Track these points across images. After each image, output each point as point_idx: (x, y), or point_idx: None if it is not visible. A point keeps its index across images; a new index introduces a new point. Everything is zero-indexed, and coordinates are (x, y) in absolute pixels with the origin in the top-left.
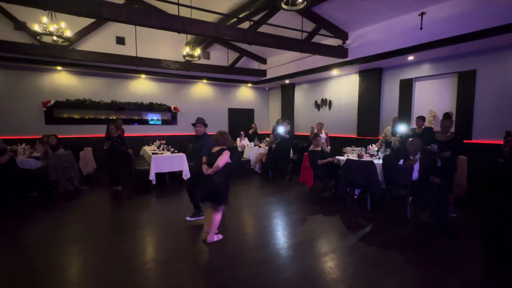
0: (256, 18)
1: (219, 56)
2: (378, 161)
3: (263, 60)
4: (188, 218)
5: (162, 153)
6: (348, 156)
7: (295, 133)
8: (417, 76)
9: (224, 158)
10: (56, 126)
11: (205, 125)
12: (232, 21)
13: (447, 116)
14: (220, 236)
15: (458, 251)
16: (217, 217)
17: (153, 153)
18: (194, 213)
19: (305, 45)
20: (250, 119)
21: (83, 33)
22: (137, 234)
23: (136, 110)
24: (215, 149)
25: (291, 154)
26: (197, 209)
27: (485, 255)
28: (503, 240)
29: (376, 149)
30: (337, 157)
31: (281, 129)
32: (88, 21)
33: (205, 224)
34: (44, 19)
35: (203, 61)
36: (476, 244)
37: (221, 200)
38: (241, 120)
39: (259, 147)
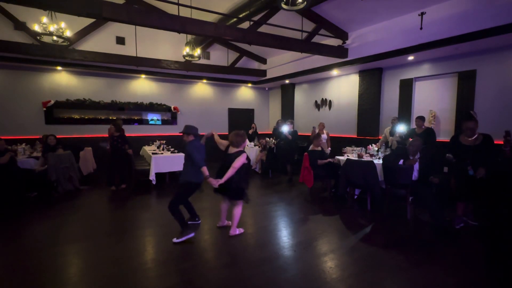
0: (256, 18)
1: (219, 56)
2: (378, 161)
3: (263, 60)
4: (175, 240)
5: (162, 153)
6: (348, 156)
7: None
8: (417, 76)
9: (240, 160)
10: (56, 126)
11: (189, 134)
12: (232, 21)
13: (469, 116)
14: (242, 230)
15: (458, 251)
16: (237, 211)
17: (153, 153)
18: (183, 232)
19: (305, 45)
20: (250, 119)
21: (83, 33)
22: (137, 234)
23: (136, 110)
24: (232, 150)
25: (296, 156)
26: (185, 227)
27: (485, 255)
28: (503, 240)
29: (376, 149)
30: (337, 157)
31: (285, 128)
32: (88, 21)
33: (222, 217)
34: (44, 19)
35: (203, 61)
36: (476, 244)
37: (239, 196)
38: (241, 120)
39: (259, 147)
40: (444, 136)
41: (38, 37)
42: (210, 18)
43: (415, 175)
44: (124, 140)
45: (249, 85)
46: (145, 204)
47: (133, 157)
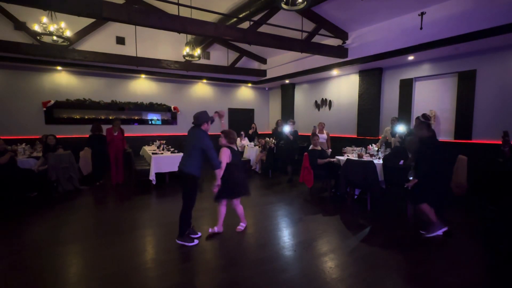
0: (256, 18)
1: (219, 56)
2: (378, 161)
3: (263, 60)
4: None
5: (162, 153)
6: (348, 156)
7: None
8: (417, 76)
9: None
10: (56, 126)
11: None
12: (232, 21)
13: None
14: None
15: (458, 251)
16: (238, 208)
17: (153, 153)
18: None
19: (305, 45)
20: (250, 119)
21: (83, 33)
22: (137, 234)
23: (136, 110)
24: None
25: (296, 157)
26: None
27: (484, 255)
28: (503, 240)
29: (376, 149)
30: (337, 157)
31: (287, 129)
32: (88, 21)
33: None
34: (44, 19)
35: (203, 61)
36: (475, 244)
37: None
38: (241, 120)
39: (259, 147)
40: (444, 136)
41: (38, 37)
42: (210, 18)
43: None
44: (95, 139)
45: (249, 85)
46: (145, 204)
47: (133, 156)
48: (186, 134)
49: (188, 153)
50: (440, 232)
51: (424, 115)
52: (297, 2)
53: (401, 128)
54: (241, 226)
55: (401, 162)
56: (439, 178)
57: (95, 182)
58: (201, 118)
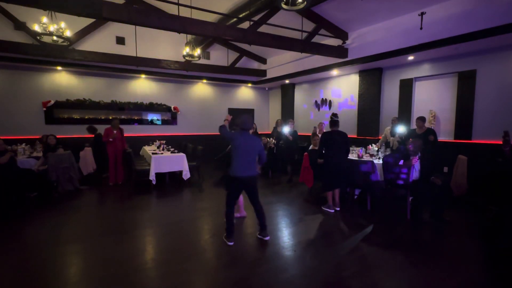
0: (256, 18)
1: (219, 56)
2: (378, 161)
3: (263, 60)
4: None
5: (162, 153)
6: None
7: None
8: (417, 76)
9: None
10: (56, 126)
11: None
12: (232, 21)
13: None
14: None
15: (458, 251)
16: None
17: (153, 153)
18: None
19: (305, 45)
20: None
21: (83, 33)
22: (137, 234)
23: (136, 110)
24: None
25: (296, 156)
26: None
27: (485, 255)
28: (503, 240)
29: (376, 149)
30: None
31: (286, 129)
32: (88, 21)
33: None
34: (44, 19)
35: (203, 61)
36: (476, 244)
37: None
38: None
39: None
40: (444, 136)
41: (38, 37)
42: (210, 18)
43: (416, 175)
44: (95, 141)
45: (249, 85)
46: (145, 204)
47: (133, 156)
48: (186, 134)
49: (252, 158)
50: (331, 211)
51: (332, 114)
52: (297, 2)
53: (401, 129)
54: (236, 214)
55: (401, 162)
56: (332, 166)
57: (102, 174)
58: (251, 123)
